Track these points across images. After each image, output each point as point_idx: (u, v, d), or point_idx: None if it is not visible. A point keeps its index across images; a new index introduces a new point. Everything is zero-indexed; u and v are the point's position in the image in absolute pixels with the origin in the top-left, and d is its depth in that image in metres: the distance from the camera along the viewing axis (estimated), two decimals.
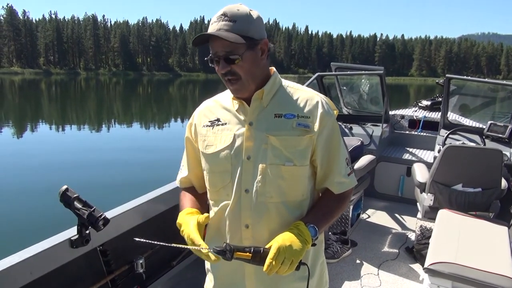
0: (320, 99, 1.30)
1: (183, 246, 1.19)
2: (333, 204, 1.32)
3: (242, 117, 1.28)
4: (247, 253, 1.12)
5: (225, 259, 1.12)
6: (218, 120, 1.31)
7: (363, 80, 5.14)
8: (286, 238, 1.14)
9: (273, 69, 1.33)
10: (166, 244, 1.21)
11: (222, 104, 1.34)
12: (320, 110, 1.27)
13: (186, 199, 1.40)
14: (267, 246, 1.14)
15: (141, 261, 2.18)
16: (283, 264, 1.10)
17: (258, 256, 1.12)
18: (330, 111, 1.30)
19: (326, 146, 1.28)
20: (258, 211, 1.24)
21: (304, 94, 1.31)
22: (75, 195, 1.71)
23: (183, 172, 1.46)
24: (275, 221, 1.25)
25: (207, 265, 1.42)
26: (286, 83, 1.34)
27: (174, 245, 1.19)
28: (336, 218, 1.37)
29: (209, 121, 1.33)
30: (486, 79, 5.00)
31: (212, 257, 1.14)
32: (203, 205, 1.41)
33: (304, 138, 1.24)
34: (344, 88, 5.13)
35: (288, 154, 1.23)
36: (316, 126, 1.25)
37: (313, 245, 1.21)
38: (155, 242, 1.24)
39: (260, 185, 1.23)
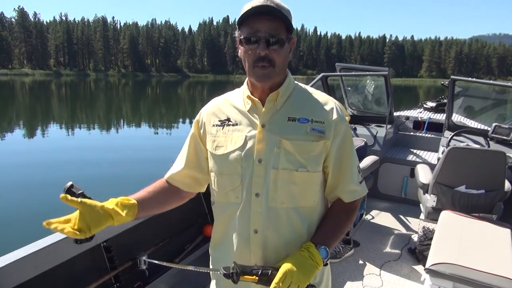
0: (334, 104, 1.27)
1: (193, 268, 1.22)
2: (343, 217, 1.28)
3: (254, 119, 1.23)
4: (254, 276, 1.13)
5: (232, 281, 1.13)
6: (228, 120, 1.27)
7: (367, 81, 5.14)
8: (295, 262, 1.11)
9: (287, 69, 1.28)
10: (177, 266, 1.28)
11: (232, 103, 1.30)
12: (334, 116, 1.24)
13: (148, 187, 1.34)
14: (276, 266, 1.13)
15: (144, 258, 2.22)
16: None
17: (265, 279, 1.12)
18: (344, 117, 1.26)
19: (338, 153, 1.25)
20: (268, 217, 1.20)
21: (318, 98, 1.27)
22: (80, 191, 1.73)
23: (176, 167, 1.38)
24: (285, 227, 1.22)
25: (211, 266, 1.40)
26: (299, 85, 1.30)
27: (186, 267, 1.24)
28: (346, 231, 1.35)
29: (219, 121, 1.28)
30: (491, 81, 4.98)
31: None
32: (169, 200, 1.37)
33: (318, 144, 1.21)
34: (349, 88, 5.14)
35: (301, 159, 1.20)
36: (331, 132, 1.22)
37: (325, 265, 1.19)
38: (168, 264, 1.28)
39: (272, 190, 1.20)
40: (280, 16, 1.14)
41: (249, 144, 1.21)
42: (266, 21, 1.12)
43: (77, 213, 1.12)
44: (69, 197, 1.11)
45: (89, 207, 1.12)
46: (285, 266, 1.10)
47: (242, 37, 1.17)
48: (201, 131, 1.32)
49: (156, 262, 1.29)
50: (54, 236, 1.79)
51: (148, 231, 2.35)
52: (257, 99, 1.24)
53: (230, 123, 1.26)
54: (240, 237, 1.24)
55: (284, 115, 1.23)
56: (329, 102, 1.27)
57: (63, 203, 1.71)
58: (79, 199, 1.13)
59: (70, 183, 1.74)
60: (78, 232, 1.09)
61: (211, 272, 1.39)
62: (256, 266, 1.16)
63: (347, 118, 1.33)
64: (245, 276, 1.13)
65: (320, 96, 1.29)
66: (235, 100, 1.30)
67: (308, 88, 1.31)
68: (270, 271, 1.13)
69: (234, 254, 1.26)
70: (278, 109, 1.23)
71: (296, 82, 1.31)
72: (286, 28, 1.16)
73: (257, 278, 1.13)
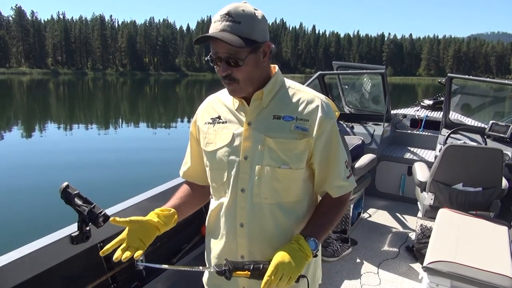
0: (320, 101, 1.28)
1: (187, 268, 1.26)
2: (332, 211, 1.32)
3: (241, 117, 1.28)
4: (246, 271, 1.16)
5: (225, 278, 1.16)
6: (219, 117, 1.32)
7: (364, 79, 5.14)
8: (285, 254, 1.15)
9: (276, 67, 1.31)
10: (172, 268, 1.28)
11: (223, 101, 1.34)
12: (319, 113, 1.25)
13: (175, 195, 1.43)
14: (267, 259, 1.16)
15: (141, 258, 2.21)
16: (281, 280, 1.12)
17: (257, 273, 1.15)
18: (330, 114, 1.27)
19: (324, 150, 1.27)
20: (253, 211, 1.26)
21: (304, 96, 1.28)
22: (75, 192, 1.72)
23: (185, 165, 1.49)
24: (269, 221, 1.27)
25: (206, 255, 1.47)
26: (288, 83, 1.31)
27: (180, 267, 1.25)
28: (336, 224, 1.39)
29: (211, 118, 1.34)
30: (488, 79, 4.98)
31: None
32: (197, 198, 1.45)
33: (301, 142, 1.23)
34: (346, 87, 5.14)
35: (284, 157, 1.23)
36: (314, 130, 1.24)
37: (315, 256, 1.23)
38: (162, 266, 1.31)
39: (256, 185, 1.25)
40: (239, 35, 1.14)
41: (236, 141, 1.26)
42: (223, 43, 1.13)
43: (126, 231, 1.22)
44: (117, 219, 1.21)
45: (137, 223, 1.23)
46: (276, 259, 1.14)
47: (208, 56, 1.21)
48: (196, 130, 1.40)
49: (148, 264, 1.32)
50: (50, 237, 1.78)
51: None
52: (242, 99, 1.27)
53: (220, 120, 1.32)
54: (228, 230, 1.32)
55: (270, 113, 1.26)
56: (315, 100, 1.28)
57: (58, 204, 1.71)
58: (127, 219, 1.22)
59: (65, 183, 1.73)
60: (133, 253, 1.18)
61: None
62: (248, 261, 1.20)
63: (337, 114, 1.35)
64: (238, 272, 1.16)
65: (307, 93, 1.30)
66: (226, 99, 1.34)
67: (297, 85, 1.33)
68: (262, 265, 1.16)
69: (222, 245, 1.34)
70: (265, 107, 1.26)
71: (285, 79, 1.33)
72: (250, 41, 1.15)
73: (249, 273, 1.16)
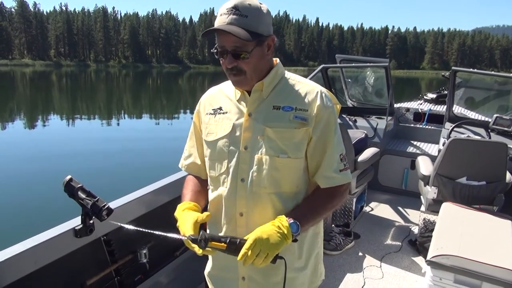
0: (319, 92, 1.29)
1: (160, 233, 1.23)
2: (321, 200, 1.30)
3: (242, 108, 1.30)
4: (222, 244, 1.15)
5: (200, 247, 1.14)
6: (220, 108, 1.34)
7: (368, 73, 5.11)
8: (264, 231, 1.16)
9: (277, 60, 1.33)
10: (152, 232, 1.28)
11: (225, 92, 1.37)
12: (318, 102, 1.27)
13: (189, 188, 1.42)
14: (245, 238, 1.16)
15: (144, 251, 2.21)
16: (258, 256, 1.12)
17: (234, 247, 1.14)
18: (328, 104, 1.29)
19: (319, 139, 1.28)
20: (252, 200, 1.27)
21: (304, 87, 1.31)
22: (79, 185, 1.73)
23: (189, 158, 1.47)
24: (268, 210, 1.28)
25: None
26: (288, 75, 1.34)
27: (158, 233, 1.24)
28: (325, 215, 1.37)
29: (212, 109, 1.36)
30: (492, 72, 4.94)
31: (196, 248, 1.16)
32: (206, 192, 1.43)
33: (300, 131, 1.25)
34: (349, 80, 5.11)
35: (283, 146, 1.25)
36: (313, 119, 1.26)
37: (294, 240, 1.21)
38: (144, 230, 1.31)
39: (256, 175, 1.26)
40: (245, 29, 1.16)
41: (237, 132, 1.29)
42: (229, 36, 1.15)
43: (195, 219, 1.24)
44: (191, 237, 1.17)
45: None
46: (255, 234, 1.15)
47: (214, 48, 1.23)
48: (199, 120, 1.42)
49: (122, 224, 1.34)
50: (54, 230, 1.78)
51: (148, 224, 2.34)
52: (244, 90, 1.29)
53: (221, 111, 1.34)
54: (228, 220, 1.33)
55: (270, 104, 1.28)
56: (314, 90, 1.30)
57: (62, 197, 1.72)
58: (203, 214, 1.25)
59: (69, 176, 1.74)
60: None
61: (208, 261, 1.47)
62: (225, 235, 1.19)
63: (338, 107, 1.36)
64: (213, 243, 1.15)
65: (306, 84, 1.32)
66: (228, 90, 1.36)
67: (297, 77, 1.35)
68: (239, 240, 1.15)
69: (223, 234, 1.33)
70: (265, 98, 1.29)
71: (285, 71, 1.35)
72: (256, 34, 1.18)
73: (225, 245, 1.15)
